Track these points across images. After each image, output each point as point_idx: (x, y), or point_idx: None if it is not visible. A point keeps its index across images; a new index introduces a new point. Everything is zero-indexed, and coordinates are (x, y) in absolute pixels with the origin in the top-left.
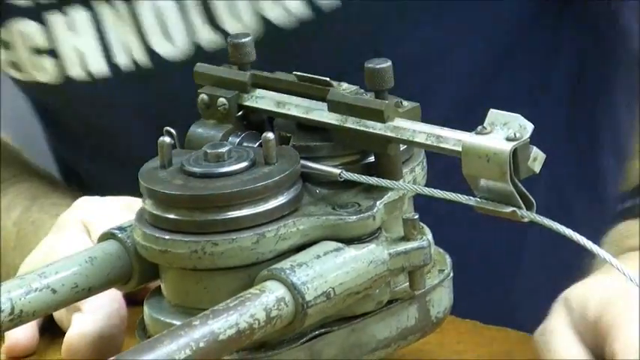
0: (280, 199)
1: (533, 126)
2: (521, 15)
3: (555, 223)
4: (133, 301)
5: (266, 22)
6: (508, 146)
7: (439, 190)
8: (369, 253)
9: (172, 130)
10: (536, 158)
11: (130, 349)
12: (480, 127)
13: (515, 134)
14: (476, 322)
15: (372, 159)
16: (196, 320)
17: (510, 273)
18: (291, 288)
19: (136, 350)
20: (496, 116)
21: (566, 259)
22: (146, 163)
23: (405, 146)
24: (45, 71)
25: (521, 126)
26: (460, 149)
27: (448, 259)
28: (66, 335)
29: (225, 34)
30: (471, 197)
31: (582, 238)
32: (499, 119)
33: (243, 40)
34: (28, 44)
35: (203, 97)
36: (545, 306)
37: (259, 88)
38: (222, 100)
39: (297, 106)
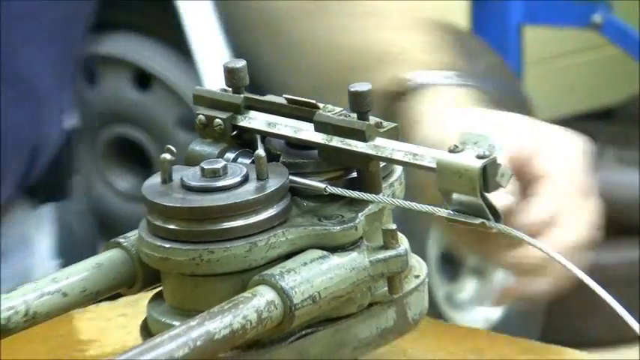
0: (270, 212)
1: (501, 145)
2: None
3: (521, 233)
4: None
5: None
6: (478, 163)
7: (415, 204)
8: (351, 261)
9: (173, 148)
10: (504, 174)
11: (132, 348)
12: (452, 146)
13: (484, 152)
14: (451, 324)
15: (354, 175)
16: (194, 321)
17: None
18: (281, 292)
19: (139, 349)
20: (468, 136)
21: None
22: (148, 179)
23: (385, 163)
24: None
25: (490, 145)
26: (435, 166)
27: (424, 266)
28: None
29: None
30: (444, 210)
31: (549, 249)
32: (470, 139)
33: (238, 65)
34: None
35: (201, 117)
36: None
37: (252, 109)
38: (217, 120)
39: (286, 126)
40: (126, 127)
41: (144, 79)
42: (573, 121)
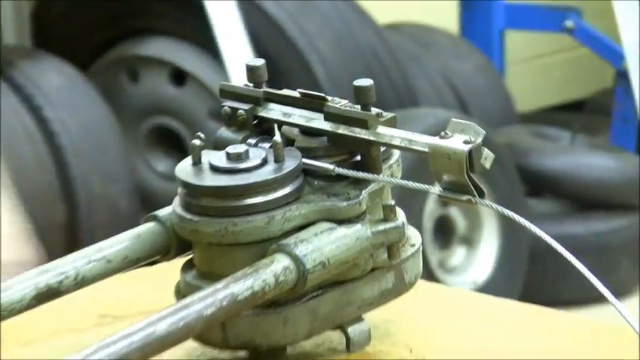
0: (286, 189)
1: (485, 132)
2: None
3: (501, 207)
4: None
5: None
6: (465, 148)
7: (411, 182)
8: (356, 232)
9: (202, 135)
10: (487, 157)
11: (167, 307)
12: (443, 133)
13: (470, 139)
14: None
15: (358, 158)
16: (220, 284)
17: None
18: (295, 259)
19: (173, 308)
20: (456, 124)
21: None
22: (181, 161)
23: (384, 148)
24: None
25: (475, 132)
26: (427, 150)
27: (419, 236)
28: None
29: None
30: (436, 188)
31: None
32: (458, 127)
33: (258, 64)
34: None
35: (226, 109)
36: None
37: (270, 102)
38: (241, 111)
39: (299, 116)
40: (164, 118)
41: (179, 77)
42: (549, 112)
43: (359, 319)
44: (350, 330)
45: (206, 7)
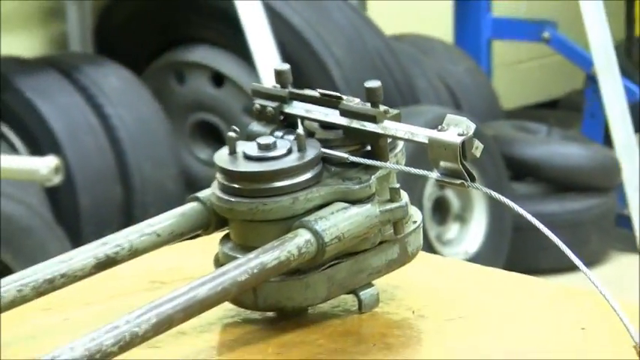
0: (308, 174)
1: (475, 126)
2: None
3: (489, 190)
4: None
5: None
6: (459, 139)
7: (412, 168)
8: (366, 210)
9: (237, 129)
10: (477, 147)
11: (207, 274)
12: (440, 127)
13: (463, 131)
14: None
15: (369, 148)
16: (252, 255)
17: None
18: (315, 233)
19: (213, 275)
20: (451, 119)
21: None
22: (219, 150)
23: (390, 139)
24: None
25: (467, 126)
26: (427, 141)
27: (419, 214)
28: None
29: None
30: (434, 173)
31: (510, 202)
32: (453, 121)
33: (284, 68)
34: None
35: (257, 106)
36: None
37: (294, 100)
38: (269, 108)
39: (319, 113)
40: (205, 114)
41: (218, 79)
42: (529, 109)
43: (369, 284)
44: (361, 294)
45: (241, 19)
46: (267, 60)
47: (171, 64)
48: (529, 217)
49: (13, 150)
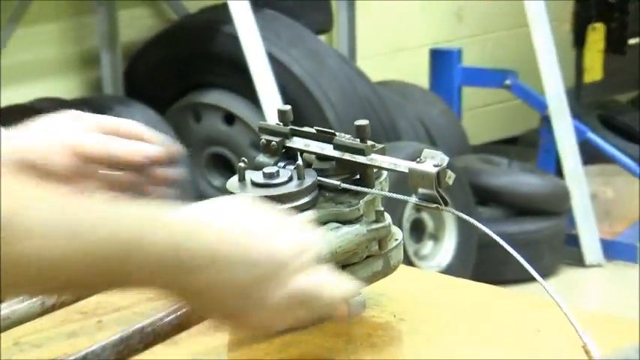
0: (306, 199)
1: (448, 159)
2: None
3: (459, 212)
4: None
5: None
6: (434, 170)
7: (395, 194)
8: (355, 230)
9: (245, 160)
10: (450, 176)
11: None
12: (418, 159)
13: (438, 163)
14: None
15: (358, 176)
16: None
17: None
18: None
19: None
20: (428, 153)
21: None
22: (230, 178)
23: (376, 169)
24: None
25: (442, 158)
26: (407, 171)
27: (400, 233)
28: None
29: None
30: (413, 198)
31: (477, 222)
32: (429, 155)
33: (286, 109)
34: None
35: (263, 140)
36: None
37: (294, 136)
38: (273, 143)
39: (316, 146)
40: (218, 148)
41: (230, 118)
42: (493, 145)
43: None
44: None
45: (249, 68)
46: (271, 102)
47: (189, 105)
48: (493, 235)
49: None
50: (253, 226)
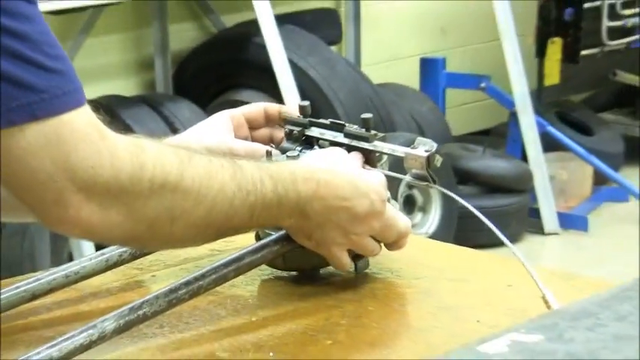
0: None
1: (436, 145)
2: None
3: (444, 189)
4: None
5: None
6: (425, 154)
7: (393, 172)
8: None
9: (274, 146)
10: (438, 160)
11: (252, 244)
12: (412, 145)
13: (429, 149)
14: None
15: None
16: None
17: None
18: None
19: (255, 246)
20: (420, 141)
21: None
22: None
23: (378, 154)
24: None
25: (432, 145)
26: (404, 155)
27: (397, 204)
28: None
29: None
30: (408, 177)
31: (464, 201)
32: (421, 142)
33: (305, 104)
34: None
35: (286, 130)
36: None
37: (312, 126)
38: (295, 132)
39: (330, 135)
40: None
41: None
42: (470, 135)
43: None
44: (357, 261)
45: (275, 72)
46: (292, 99)
47: (226, 101)
48: (471, 208)
49: None
50: (349, 166)
